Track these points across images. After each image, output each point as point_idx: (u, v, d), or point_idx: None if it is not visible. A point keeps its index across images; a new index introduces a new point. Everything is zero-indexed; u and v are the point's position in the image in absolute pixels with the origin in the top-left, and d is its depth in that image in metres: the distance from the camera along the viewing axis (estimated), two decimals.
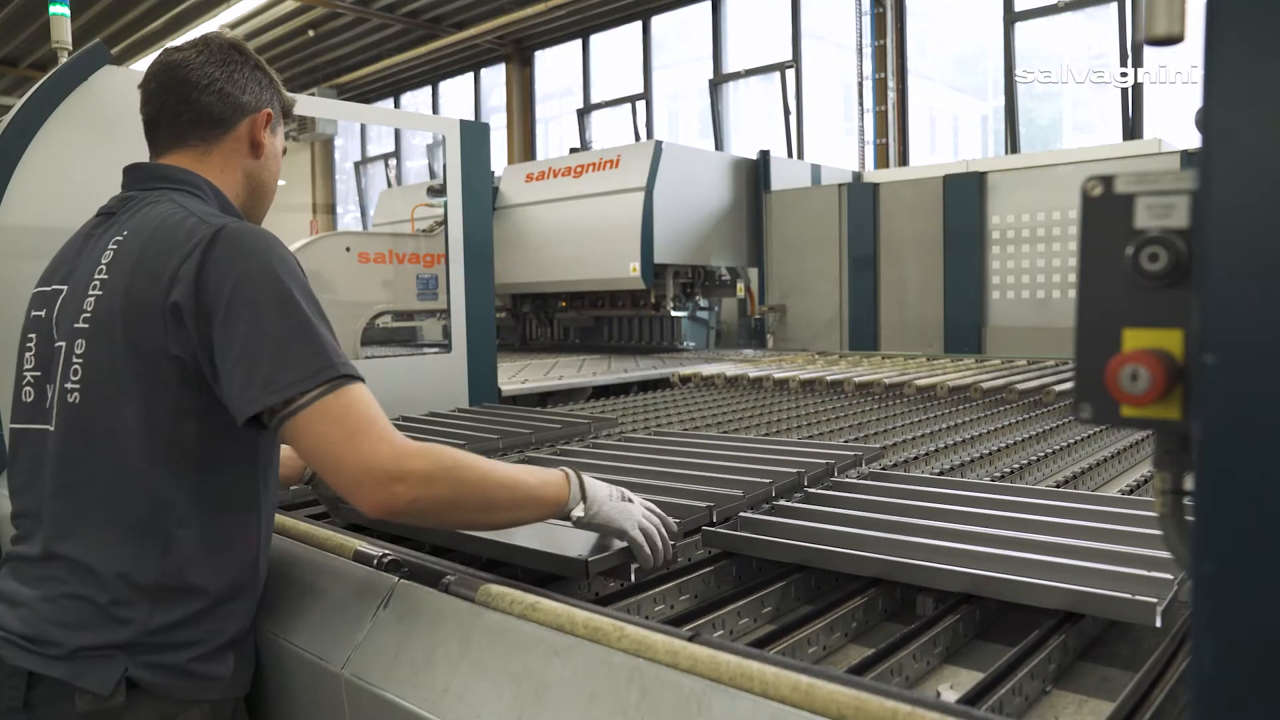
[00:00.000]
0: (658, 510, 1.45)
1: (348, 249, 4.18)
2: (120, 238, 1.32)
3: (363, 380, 1.23)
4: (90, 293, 1.30)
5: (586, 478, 1.38)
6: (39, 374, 1.34)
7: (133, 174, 1.44)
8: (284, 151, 1.60)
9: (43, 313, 1.37)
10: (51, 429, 1.29)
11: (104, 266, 1.31)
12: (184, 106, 1.41)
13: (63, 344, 1.31)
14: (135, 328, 1.24)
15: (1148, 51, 7.18)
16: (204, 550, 1.27)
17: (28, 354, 1.37)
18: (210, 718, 1.29)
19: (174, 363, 1.23)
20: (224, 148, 1.44)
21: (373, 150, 16.24)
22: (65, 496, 1.27)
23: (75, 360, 1.28)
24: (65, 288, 1.36)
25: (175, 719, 1.25)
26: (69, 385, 1.28)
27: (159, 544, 1.25)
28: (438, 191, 5.93)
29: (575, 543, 1.43)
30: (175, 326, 1.22)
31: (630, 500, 1.42)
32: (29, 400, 1.35)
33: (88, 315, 1.29)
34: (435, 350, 4.20)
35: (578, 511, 1.34)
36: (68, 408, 1.28)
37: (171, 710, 1.25)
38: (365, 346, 5.18)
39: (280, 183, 1.64)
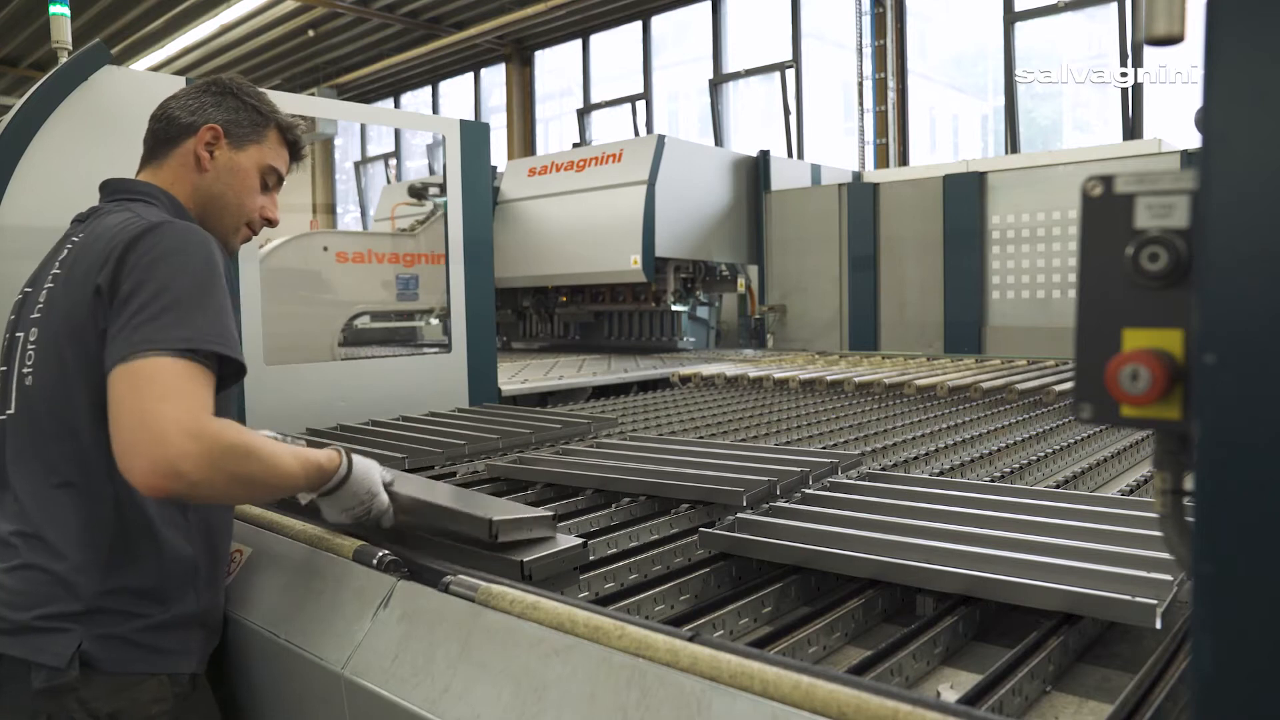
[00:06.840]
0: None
1: (325, 248, 4.12)
2: (77, 239, 1.46)
3: (241, 367, 1.30)
4: (45, 287, 1.43)
5: (355, 478, 1.42)
6: (4, 368, 1.46)
7: (104, 189, 1.59)
8: (285, 172, 1.67)
9: (14, 316, 1.50)
10: (12, 412, 1.41)
11: (59, 263, 1.44)
12: (149, 135, 1.62)
13: (21, 334, 1.44)
14: (72, 309, 1.35)
15: (1148, 51, 7.18)
16: (145, 518, 1.34)
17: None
18: (167, 691, 1.33)
19: (103, 337, 1.31)
20: (172, 163, 1.58)
21: (373, 150, 16.23)
22: (20, 472, 1.37)
23: (30, 347, 1.41)
24: (31, 289, 1.49)
25: (129, 691, 1.29)
26: (24, 370, 1.40)
27: (108, 511, 1.32)
28: (418, 192, 5.92)
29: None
30: (98, 304, 1.32)
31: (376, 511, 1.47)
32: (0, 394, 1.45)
33: (41, 305, 1.42)
34: (435, 350, 4.19)
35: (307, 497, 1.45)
36: (24, 390, 1.39)
37: (125, 684, 1.29)
38: (353, 347, 5.11)
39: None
